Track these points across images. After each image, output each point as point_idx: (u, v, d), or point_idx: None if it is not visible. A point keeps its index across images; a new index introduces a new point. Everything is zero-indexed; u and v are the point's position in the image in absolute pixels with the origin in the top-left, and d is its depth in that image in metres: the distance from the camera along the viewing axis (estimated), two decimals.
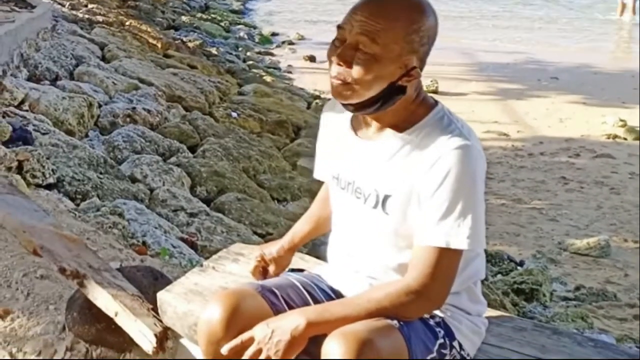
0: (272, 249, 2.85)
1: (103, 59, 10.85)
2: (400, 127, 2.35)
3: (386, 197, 2.33)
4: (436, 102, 2.39)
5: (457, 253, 2.24)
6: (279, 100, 11.75)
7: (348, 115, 2.50)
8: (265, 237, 6.54)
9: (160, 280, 3.34)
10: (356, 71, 2.24)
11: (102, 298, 3.10)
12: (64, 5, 13.45)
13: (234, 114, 10.12)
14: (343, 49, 2.26)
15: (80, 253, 3.38)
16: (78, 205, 5.98)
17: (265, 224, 6.87)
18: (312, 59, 16.50)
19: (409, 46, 2.25)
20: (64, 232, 3.62)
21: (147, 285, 3.29)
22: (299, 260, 2.99)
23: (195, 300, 2.82)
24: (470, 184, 2.22)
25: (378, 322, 2.19)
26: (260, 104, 11.06)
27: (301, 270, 2.74)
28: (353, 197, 2.44)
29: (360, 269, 2.46)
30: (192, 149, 8.42)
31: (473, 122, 12.29)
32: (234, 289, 2.46)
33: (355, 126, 2.48)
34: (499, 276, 7.09)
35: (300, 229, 2.88)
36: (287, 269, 2.82)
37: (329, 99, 2.58)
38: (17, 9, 10.23)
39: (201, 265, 3.18)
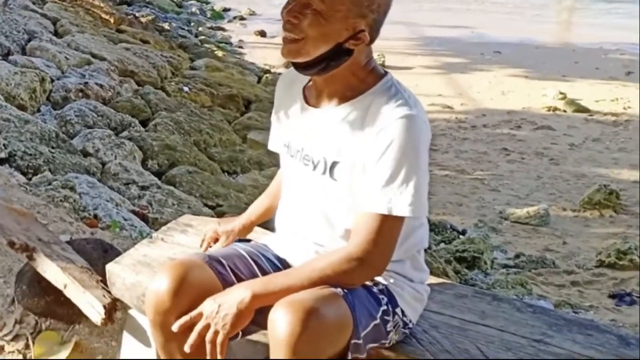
0: (230, 225, 2.83)
1: (56, 34, 10.66)
2: (349, 96, 2.33)
3: (334, 164, 2.32)
4: (386, 73, 2.38)
5: (399, 220, 2.23)
6: (230, 75, 11.68)
7: (301, 85, 2.49)
8: (215, 209, 6.52)
9: (110, 253, 3.29)
10: (303, 26, 2.24)
11: (51, 271, 3.05)
12: None
13: (186, 89, 10.04)
14: (293, 6, 2.26)
15: (30, 226, 3.31)
16: (30, 179, 5.88)
17: (215, 196, 6.82)
18: (262, 34, 16.43)
19: (356, 9, 2.24)
20: (13, 205, 3.54)
21: (97, 257, 3.24)
22: None
23: (144, 272, 2.78)
24: (414, 152, 2.20)
25: (323, 290, 2.17)
26: (211, 79, 10.98)
27: (248, 241, 2.71)
28: (302, 164, 2.42)
29: (307, 236, 2.43)
30: (144, 123, 8.32)
31: (418, 95, 12.08)
32: (182, 260, 2.42)
33: (307, 95, 2.47)
34: (442, 245, 7.15)
35: (259, 205, 2.85)
36: (235, 239, 2.78)
37: (280, 74, 2.57)
38: None
39: (150, 237, 3.13)
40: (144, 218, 5.85)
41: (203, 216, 3.35)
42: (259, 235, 2.86)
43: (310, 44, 2.25)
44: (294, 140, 2.47)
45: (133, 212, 5.87)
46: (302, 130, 2.43)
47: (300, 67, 2.35)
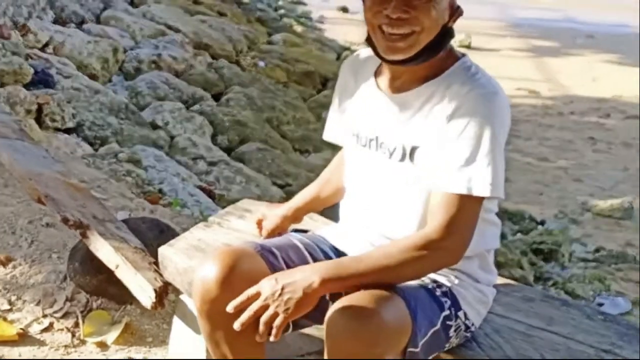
0: (276, 211, 2.75)
1: (131, 3, 10.73)
2: (427, 77, 2.25)
3: (414, 149, 2.23)
4: (464, 54, 2.30)
5: (478, 201, 2.15)
6: (308, 51, 11.60)
7: (370, 71, 2.38)
8: (285, 188, 6.50)
9: (166, 233, 3.24)
10: (420, 17, 2.14)
11: (103, 250, 3.01)
12: None
13: (261, 63, 10.00)
14: (398, 0, 2.14)
15: (86, 202, 3.28)
16: (96, 150, 5.92)
17: (285, 175, 6.79)
18: (344, 9, 16.31)
19: None
20: (71, 180, 3.52)
21: (152, 238, 3.19)
22: (307, 219, 2.88)
23: (197, 257, 2.71)
24: (494, 131, 2.12)
25: (384, 293, 2.08)
26: (288, 54, 10.92)
27: (305, 231, 2.63)
28: (377, 153, 2.32)
29: (374, 227, 2.34)
30: (217, 97, 8.33)
31: (504, 78, 12.09)
32: (233, 248, 2.35)
33: (379, 81, 2.36)
34: (519, 235, 7.01)
35: (306, 193, 2.75)
36: (290, 229, 2.71)
37: (357, 51, 2.47)
38: None
39: (206, 221, 3.08)
40: (210, 194, 5.85)
41: (263, 202, 3.26)
42: (319, 225, 2.78)
43: (424, 34, 2.16)
44: (366, 129, 2.35)
45: (199, 187, 5.88)
46: (375, 117, 2.33)
47: (405, 62, 2.22)
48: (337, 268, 2.14)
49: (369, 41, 2.25)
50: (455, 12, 2.22)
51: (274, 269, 2.29)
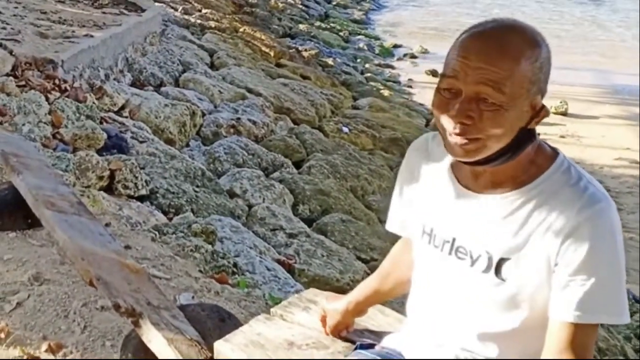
0: (333, 305, 2.64)
1: (211, 66, 10.83)
2: (518, 180, 2.07)
3: (502, 261, 2.06)
4: (556, 151, 2.12)
5: (596, 328, 2.05)
6: (395, 116, 11.51)
7: (446, 159, 2.20)
8: (369, 263, 6.34)
9: (228, 322, 3.08)
10: (486, 126, 1.97)
11: (156, 341, 2.87)
12: (176, 10, 13.50)
13: (345, 129, 9.92)
14: (462, 104, 1.97)
15: (141, 286, 3.15)
16: (170, 219, 5.85)
17: (370, 248, 6.64)
18: (434, 73, 16.20)
19: (535, 86, 1.99)
20: (127, 260, 3.39)
21: (212, 327, 3.05)
22: (379, 314, 2.74)
23: (256, 354, 2.56)
24: (617, 250, 1.98)
25: None
26: (374, 119, 10.84)
27: (372, 346, 2.46)
28: (453, 257, 2.15)
29: (451, 340, 2.19)
30: (298, 164, 8.27)
31: (603, 147, 11.90)
32: None
33: (458, 174, 2.18)
34: None
35: (365, 286, 2.63)
36: (356, 344, 2.55)
37: (427, 134, 2.29)
38: (126, 12, 10.25)
39: (269, 311, 2.91)
40: (289, 269, 5.73)
41: (329, 292, 3.08)
42: (390, 321, 2.67)
43: (493, 141, 2.00)
44: (441, 228, 2.19)
45: (278, 261, 5.75)
46: (454, 217, 2.16)
47: (478, 164, 2.07)
48: None
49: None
50: (538, 113, 2.03)
51: None
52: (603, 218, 1.97)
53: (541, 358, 2.03)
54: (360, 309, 2.61)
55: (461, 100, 1.97)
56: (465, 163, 2.07)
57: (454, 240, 2.15)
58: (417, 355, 2.28)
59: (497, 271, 2.07)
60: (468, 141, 1.99)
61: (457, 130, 1.98)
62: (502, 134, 1.98)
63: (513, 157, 2.03)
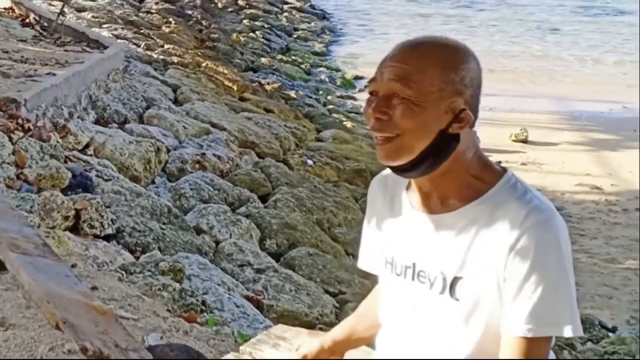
0: (312, 347, 2.57)
1: (175, 101, 10.76)
2: (466, 197, 2.08)
3: (455, 280, 2.06)
4: (504, 169, 2.12)
5: (550, 341, 2.03)
6: (358, 147, 11.48)
7: (402, 189, 2.22)
8: (337, 297, 6.31)
9: None
10: (398, 121, 2.01)
11: None
12: (139, 46, 13.42)
13: (310, 162, 9.87)
14: (378, 102, 2.04)
15: (108, 328, 3.07)
16: (137, 258, 5.77)
17: (337, 282, 6.60)
18: None
19: (449, 87, 2.02)
20: (94, 302, 3.32)
21: None
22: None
23: None
24: (563, 261, 1.99)
25: None
26: (338, 151, 10.81)
27: None
28: (415, 282, 2.14)
29: None
30: (264, 198, 8.20)
31: (564, 174, 11.95)
32: None
33: (413, 201, 2.18)
34: (589, 344, 6.80)
35: (344, 326, 2.59)
36: None
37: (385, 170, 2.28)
38: (88, 49, 10.18)
39: (237, 351, 2.85)
40: (258, 305, 5.68)
41: (297, 328, 3.04)
42: (359, 354, 2.61)
43: (408, 138, 2.02)
44: (400, 256, 2.18)
45: (246, 297, 5.72)
46: (411, 242, 2.16)
47: (405, 170, 2.08)
48: None
49: None
50: (459, 117, 2.03)
51: None
52: (547, 228, 1.98)
53: None
54: (336, 348, 2.55)
55: (378, 99, 2.04)
56: (394, 170, 2.10)
57: (414, 265, 2.14)
58: None
59: (452, 291, 2.06)
60: (386, 140, 2.02)
61: (375, 127, 2.03)
62: (416, 130, 2.01)
63: (436, 164, 2.04)
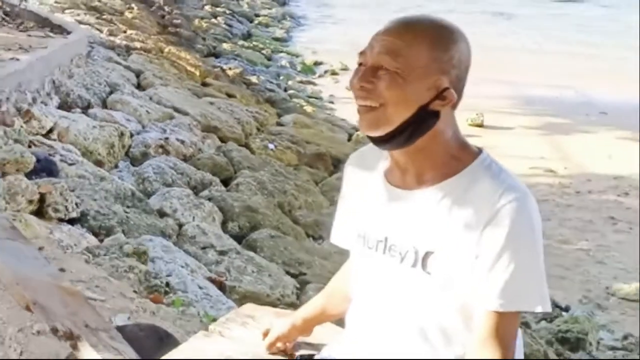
0: (283, 325, 2.61)
1: (138, 86, 10.72)
2: (441, 174, 2.10)
3: (427, 254, 2.08)
4: (480, 149, 2.16)
5: (518, 316, 2.07)
6: (318, 132, 11.53)
7: (378, 166, 2.24)
8: (298, 278, 6.32)
9: (166, 341, 3.06)
10: (381, 89, 2.04)
11: None
12: (101, 32, 13.34)
13: (271, 146, 9.89)
14: (364, 71, 2.09)
15: (78, 309, 3.10)
16: (102, 241, 5.75)
17: (298, 263, 6.60)
18: None
19: (435, 64, 2.05)
20: (63, 283, 3.34)
21: (150, 347, 3.02)
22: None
23: None
24: (535, 239, 2.04)
25: None
26: (299, 135, 10.83)
27: (310, 357, 2.49)
28: (386, 256, 2.16)
29: (386, 340, 2.19)
30: (226, 182, 8.20)
31: (519, 157, 12.03)
32: None
33: (389, 177, 2.21)
34: (543, 323, 6.84)
35: (313, 305, 2.62)
36: (295, 357, 2.57)
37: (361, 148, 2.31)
38: (51, 34, 10.10)
39: (206, 329, 2.88)
40: (220, 286, 5.67)
41: (266, 306, 3.06)
42: (327, 331, 2.63)
43: (390, 109, 2.04)
44: (373, 229, 2.21)
45: (209, 279, 5.69)
46: (384, 216, 2.18)
47: (382, 141, 2.11)
48: None
49: None
50: (442, 95, 2.07)
51: None
52: (521, 206, 2.01)
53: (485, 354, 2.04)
54: (306, 326, 2.59)
55: (365, 69, 2.08)
56: (373, 141, 2.12)
57: (386, 239, 2.17)
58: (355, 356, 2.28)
59: (424, 265, 2.09)
60: (369, 109, 2.05)
61: (359, 95, 2.07)
62: (397, 102, 2.04)
63: (414, 137, 2.07)
